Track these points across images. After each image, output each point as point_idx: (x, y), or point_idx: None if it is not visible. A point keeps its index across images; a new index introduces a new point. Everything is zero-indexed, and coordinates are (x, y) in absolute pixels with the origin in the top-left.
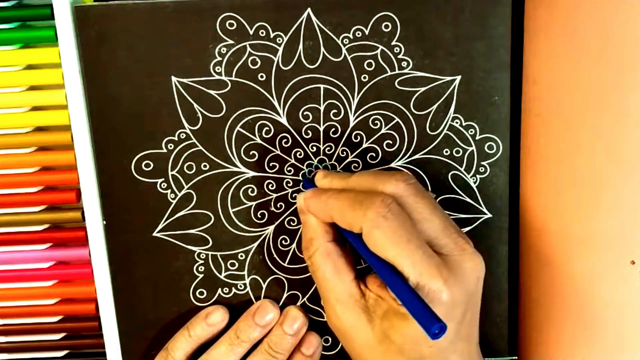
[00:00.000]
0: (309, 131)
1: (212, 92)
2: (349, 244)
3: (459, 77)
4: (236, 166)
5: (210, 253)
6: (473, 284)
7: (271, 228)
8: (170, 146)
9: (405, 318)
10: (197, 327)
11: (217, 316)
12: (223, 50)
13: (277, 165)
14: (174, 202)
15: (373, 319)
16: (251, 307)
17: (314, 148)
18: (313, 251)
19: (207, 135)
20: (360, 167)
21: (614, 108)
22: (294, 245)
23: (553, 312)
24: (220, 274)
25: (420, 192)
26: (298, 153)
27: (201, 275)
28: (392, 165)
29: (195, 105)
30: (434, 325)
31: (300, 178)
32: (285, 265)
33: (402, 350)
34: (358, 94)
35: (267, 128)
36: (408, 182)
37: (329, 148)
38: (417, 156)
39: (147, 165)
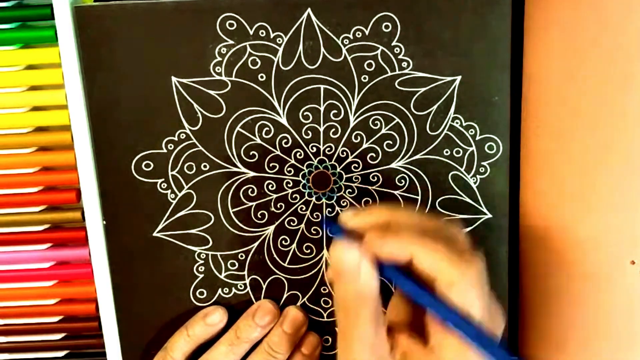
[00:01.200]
0: (309, 131)
1: (212, 92)
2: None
3: (459, 77)
4: (236, 166)
5: (210, 253)
6: (500, 336)
7: (271, 228)
8: (170, 146)
9: None
10: (195, 327)
11: (216, 316)
12: (223, 51)
13: (277, 165)
14: (174, 202)
15: None
16: (251, 307)
17: (314, 148)
18: (362, 309)
19: (207, 136)
20: (360, 167)
21: (613, 108)
22: (294, 245)
23: (553, 312)
24: (220, 274)
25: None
26: (298, 153)
27: (201, 275)
28: (392, 165)
29: (195, 106)
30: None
31: (300, 178)
32: (285, 265)
33: None
34: (358, 94)
35: (267, 128)
36: (464, 232)
37: (329, 148)
38: (417, 156)
39: (147, 166)
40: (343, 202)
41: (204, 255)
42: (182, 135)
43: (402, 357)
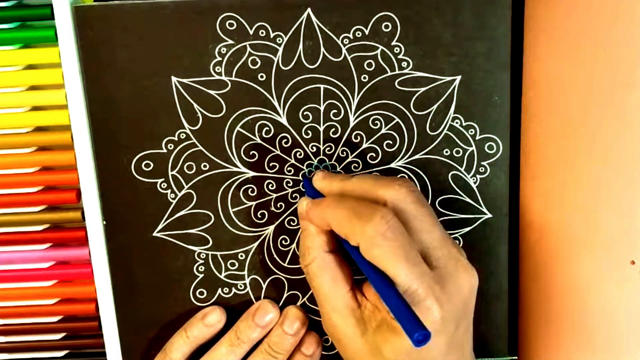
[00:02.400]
0: (309, 131)
1: (212, 92)
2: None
3: (459, 77)
4: (236, 166)
5: (210, 253)
6: (467, 296)
7: (271, 228)
8: (170, 146)
9: (398, 332)
10: (194, 328)
11: (214, 317)
12: (223, 50)
13: (277, 165)
14: (174, 202)
15: (367, 330)
16: (251, 307)
17: (314, 148)
18: (310, 260)
19: (207, 135)
20: (360, 167)
21: (614, 108)
22: (294, 245)
23: (553, 312)
24: (220, 274)
25: (421, 200)
26: (298, 153)
27: (201, 275)
28: (392, 165)
29: (195, 105)
30: (417, 332)
31: (300, 178)
32: (285, 265)
33: None
34: (358, 94)
35: (267, 128)
36: (409, 189)
37: (329, 148)
38: (417, 156)
39: (147, 165)
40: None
41: (204, 255)
42: (182, 135)
43: (369, 314)
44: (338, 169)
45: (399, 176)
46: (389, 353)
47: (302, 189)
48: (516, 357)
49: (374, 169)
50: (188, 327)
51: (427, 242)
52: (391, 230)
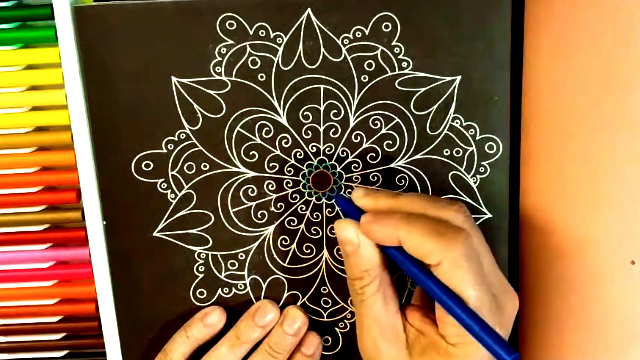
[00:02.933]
0: (309, 131)
1: (212, 92)
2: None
3: (459, 77)
4: (236, 166)
5: (210, 253)
6: (512, 322)
7: (271, 228)
8: (170, 146)
9: (450, 357)
10: (194, 328)
11: (214, 317)
12: (223, 51)
13: (277, 165)
14: (174, 202)
15: (412, 354)
16: (251, 307)
17: (314, 148)
18: (369, 281)
19: (207, 136)
20: (360, 167)
21: (614, 108)
22: (294, 245)
23: (553, 312)
24: (220, 274)
25: (475, 225)
26: (298, 153)
27: (201, 275)
28: (392, 165)
29: (195, 106)
30: (511, 356)
31: (300, 178)
32: (285, 265)
33: None
34: (358, 94)
35: (267, 128)
36: (466, 214)
37: (329, 148)
38: (417, 156)
39: (147, 165)
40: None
41: (204, 255)
42: (182, 135)
43: (414, 338)
44: (338, 169)
45: (445, 197)
46: None
47: (301, 189)
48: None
49: (374, 169)
50: (188, 327)
51: (486, 269)
52: (473, 253)
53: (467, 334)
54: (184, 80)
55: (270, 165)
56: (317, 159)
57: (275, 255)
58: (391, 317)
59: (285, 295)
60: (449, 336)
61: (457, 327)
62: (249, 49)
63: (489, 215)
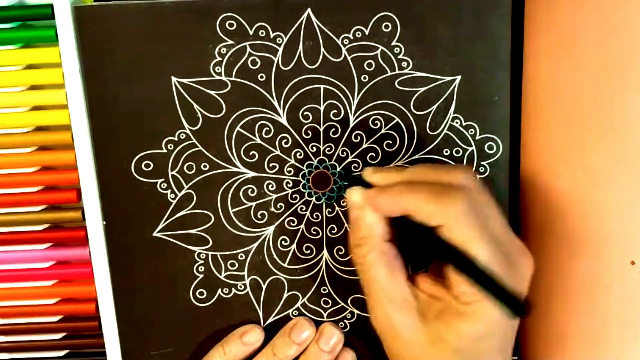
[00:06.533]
0: (309, 131)
1: (212, 92)
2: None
3: (459, 77)
4: (236, 166)
5: (210, 253)
6: (527, 281)
7: (271, 228)
8: (170, 146)
9: (463, 316)
10: (232, 345)
11: (253, 336)
12: (223, 51)
13: (277, 165)
14: (174, 202)
15: (426, 319)
16: (287, 324)
17: (314, 148)
18: (368, 250)
19: (207, 136)
20: (360, 167)
21: (613, 108)
22: (294, 245)
23: (553, 312)
24: (220, 274)
25: (483, 187)
26: (298, 153)
27: (201, 276)
28: (392, 165)
29: (195, 106)
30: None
31: (300, 178)
32: (285, 265)
33: (457, 349)
34: (358, 94)
35: (267, 128)
36: (473, 175)
37: (329, 148)
38: (417, 156)
39: (147, 166)
40: (343, 202)
41: (204, 255)
42: (182, 135)
43: (426, 304)
44: (338, 169)
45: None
46: (454, 339)
47: (301, 189)
48: (516, 357)
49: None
50: (226, 343)
51: (493, 227)
52: (474, 209)
53: (479, 291)
54: (184, 80)
55: (270, 165)
56: (317, 159)
57: (275, 256)
58: (398, 285)
59: (285, 295)
60: (462, 295)
61: (469, 285)
62: (249, 49)
63: None
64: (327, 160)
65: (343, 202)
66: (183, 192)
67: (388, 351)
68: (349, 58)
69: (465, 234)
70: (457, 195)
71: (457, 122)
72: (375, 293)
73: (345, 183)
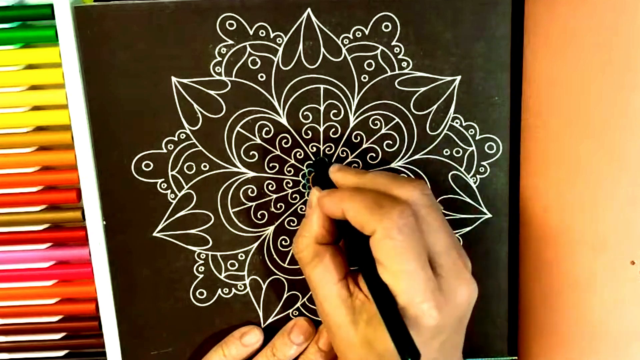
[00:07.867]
0: (309, 131)
1: (212, 92)
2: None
3: (459, 77)
4: (236, 166)
5: (210, 253)
6: (463, 310)
7: (271, 228)
8: (170, 146)
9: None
10: (232, 346)
11: (252, 337)
12: (223, 51)
13: (277, 165)
14: (174, 202)
15: (358, 321)
16: (287, 324)
17: (314, 148)
18: (301, 249)
19: (207, 136)
20: (360, 167)
21: (613, 108)
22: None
23: (553, 312)
24: (220, 274)
25: (433, 204)
26: (298, 153)
27: (201, 276)
28: (392, 165)
29: (195, 106)
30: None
31: (300, 179)
32: (285, 265)
33: (382, 358)
34: (358, 94)
35: (267, 128)
36: (424, 191)
37: (329, 148)
38: (417, 156)
39: (147, 166)
40: None
41: (204, 256)
42: (182, 135)
43: (361, 305)
44: None
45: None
46: (380, 347)
47: (301, 189)
48: (516, 357)
49: (374, 169)
50: (225, 345)
51: (433, 247)
52: (408, 227)
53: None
54: (184, 80)
55: (270, 165)
56: (317, 159)
57: (275, 256)
58: (332, 284)
59: (285, 295)
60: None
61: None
62: (249, 49)
63: (489, 215)
64: (326, 160)
65: None
66: (183, 192)
67: (332, 345)
68: (349, 58)
69: (391, 249)
70: (394, 208)
71: (457, 122)
72: (313, 289)
73: (312, 170)
